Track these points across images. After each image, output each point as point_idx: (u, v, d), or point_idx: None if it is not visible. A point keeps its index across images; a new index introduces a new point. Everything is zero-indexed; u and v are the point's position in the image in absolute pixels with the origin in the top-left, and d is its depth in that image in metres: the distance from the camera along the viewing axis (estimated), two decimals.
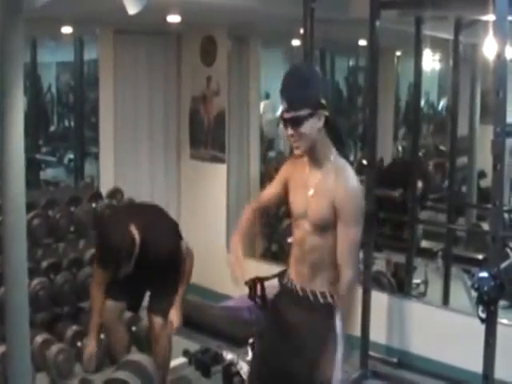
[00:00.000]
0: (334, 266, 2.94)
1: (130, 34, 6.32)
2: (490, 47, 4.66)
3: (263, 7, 5.02)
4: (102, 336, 4.69)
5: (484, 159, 6.35)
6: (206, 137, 6.70)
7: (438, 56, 7.96)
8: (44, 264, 5.19)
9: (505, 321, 4.55)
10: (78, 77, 8.13)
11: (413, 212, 5.95)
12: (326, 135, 2.95)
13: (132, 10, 3.28)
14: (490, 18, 4.30)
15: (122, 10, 3.28)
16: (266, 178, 6.58)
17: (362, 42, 6.87)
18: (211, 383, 4.73)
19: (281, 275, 3.29)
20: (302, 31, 5.18)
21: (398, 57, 8.45)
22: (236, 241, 3.26)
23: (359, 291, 4.95)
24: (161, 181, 6.84)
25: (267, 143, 8.96)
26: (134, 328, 5.18)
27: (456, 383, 4.89)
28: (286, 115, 2.90)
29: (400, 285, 6.04)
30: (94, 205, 5.62)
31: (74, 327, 5.09)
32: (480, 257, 5.54)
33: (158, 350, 4.45)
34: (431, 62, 7.84)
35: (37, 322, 5.03)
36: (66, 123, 9.86)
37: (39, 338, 4.84)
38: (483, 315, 3.97)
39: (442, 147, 7.85)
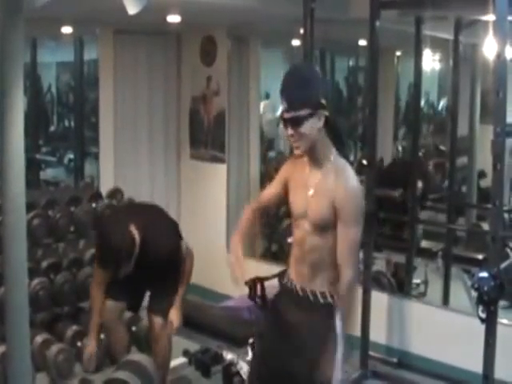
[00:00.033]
0: (334, 266, 2.94)
1: (129, 34, 6.32)
2: (489, 47, 4.66)
3: (263, 7, 5.02)
4: (102, 336, 4.70)
5: (484, 159, 6.35)
6: (206, 137, 6.70)
7: (437, 56, 7.96)
8: (44, 264, 5.19)
9: (505, 321, 4.55)
10: (77, 77, 8.13)
11: (413, 212, 5.95)
12: (326, 135, 2.95)
13: (132, 9, 3.28)
14: (490, 17, 4.30)
15: (121, 10, 3.29)
16: (265, 178, 6.58)
17: (362, 42, 6.87)
18: (211, 383, 4.72)
19: (281, 275, 3.29)
20: (301, 31, 5.18)
21: (398, 57, 8.45)
22: (236, 241, 3.26)
23: (359, 291, 4.96)
24: (161, 181, 6.84)
25: (267, 143, 8.96)
26: (133, 328, 5.18)
27: (456, 383, 4.89)
28: (286, 115, 2.89)
29: (400, 285, 6.04)
30: (93, 205, 5.62)
31: (74, 327, 5.09)
32: (480, 257, 5.53)
33: (158, 350, 4.45)
34: (431, 62, 7.85)
35: (37, 321, 5.03)
36: (66, 123, 9.86)
37: (39, 338, 4.84)
38: (483, 315, 3.97)
39: (441, 147, 7.85)
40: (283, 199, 3.21)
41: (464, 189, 7.35)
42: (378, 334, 5.24)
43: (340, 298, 2.93)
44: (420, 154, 6.86)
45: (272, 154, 9.01)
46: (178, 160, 6.98)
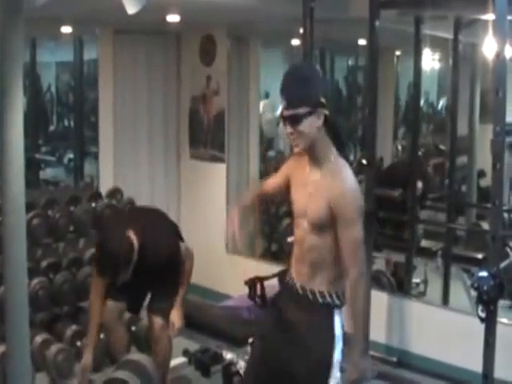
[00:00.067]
0: (335, 266, 2.94)
1: (129, 33, 6.32)
2: (489, 46, 4.66)
3: (262, 6, 5.02)
4: (102, 335, 4.69)
5: (484, 158, 6.35)
6: (206, 136, 6.70)
7: (437, 55, 7.95)
8: (44, 264, 5.19)
9: (505, 320, 4.54)
10: (77, 76, 8.12)
11: (412, 211, 5.95)
12: (326, 135, 2.95)
13: (131, 9, 3.28)
14: (490, 17, 4.31)
15: (121, 10, 3.29)
16: (265, 178, 6.56)
17: (362, 42, 6.86)
18: (211, 383, 4.73)
19: (280, 275, 3.29)
20: (301, 31, 5.18)
21: (398, 56, 8.43)
22: (235, 211, 3.28)
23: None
24: (160, 181, 6.85)
25: (267, 143, 8.95)
26: (133, 328, 5.18)
27: (456, 383, 4.89)
28: (285, 113, 2.90)
29: (400, 284, 6.03)
30: (93, 204, 5.62)
31: (74, 327, 5.09)
32: (480, 256, 5.53)
33: (159, 350, 4.45)
34: (431, 61, 7.83)
35: (36, 321, 5.03)
36: (66, 123, 9.84)
37: (39, 338, 4.84)
38: (483, 314, 3.98)
39: (441, 146, 7.84)
40: (284, 192, 3.22)
41: (464, 188, 7.34)
42: (378, 333, 5.24)
43: (349, 299, 2.93)
44: (420, 153, 6.85)
45: (271, 153, 9.00)
46: (178, 160, 6.98)
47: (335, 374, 2.95)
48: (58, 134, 9.83)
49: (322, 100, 2.90)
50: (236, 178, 6.73)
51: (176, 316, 4.44)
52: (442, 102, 9.00)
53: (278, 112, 3.50)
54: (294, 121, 2.88)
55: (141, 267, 4.24)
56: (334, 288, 2.96)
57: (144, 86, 6.61)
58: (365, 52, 5.89)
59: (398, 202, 6.16)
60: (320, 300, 2.97)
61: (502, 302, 4.29)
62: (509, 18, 4.03)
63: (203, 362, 4.73)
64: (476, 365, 4.19)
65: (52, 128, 9.93)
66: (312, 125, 2.88)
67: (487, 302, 3.95)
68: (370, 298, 5.02)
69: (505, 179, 4.67)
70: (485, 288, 3.92)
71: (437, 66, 8.32)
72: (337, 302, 2.97)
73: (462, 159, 7.03)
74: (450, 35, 6.05)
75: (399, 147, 8.50)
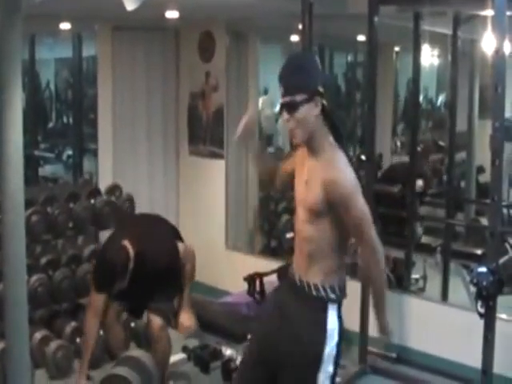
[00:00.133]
0: (332, 257, 2.94)
1: (128, 30, 6.31)
2: (488, 42, 4.66)
3: (261, 2, 5.02)
4: (101, 332, 4.70)
5: (483, 154, 6.35)
6: (205, 133, 6.70)
7: (436, 51, 7.94)
8: (43, 260, 5.20)
9: (504, 316, 4.55)
10: (76, 73, 8.11)
11: (411, 207, 5.95)
12: (323, 125, 2.95)
13: (130, 5, 3.28)
14: (489, 13, 4.31)
15: (120, 6, 3.28)
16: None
17: (361, 38, 6.85)
18: (210, 379, 4.73)
19: (280, 271, 3.29)
20: (300, 27, 5.18)
21: (397, 52, 8.44)
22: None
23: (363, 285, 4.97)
24: (159, 177, 6.84)
25: (266, 139, 8.95)
26: (132, 324, 5.19)
27: (455, 378, 4.89)
28: (283, 100, 2.90)
29: (399, 280, 6.03)
30: (92, 201, 5.63)
31: (73, 323, 5.10)
32: (479, 252, 5.53)
33: (158, 349, 4.46)
34: (430, 57, 7.83)
35: (36, 318, 5.04)
36: (65, 120, 9.83)
37: (38, 335, 4.85)
38: (482, 310, 3.98)
39: (440, 142, 7.84)
40: (287, 177, 3.22)
41: (463, 184, 7.34)
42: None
43: (367, 276, 2.97)
44: (419, 149, 6.85)
45: (271, 149, 8.99)
46: (177, 156, 6.98)
47: (326, 369, 2.93)
48: (57, 130, 9.83)
49: (320, 89, 2.89)
50: (235, 175, 6.72)
51: (186, 317, 4.49)
52: (441, 98, 9.00)
53: (277, 108, 3.50)
54: (291, 108, 2.87)
55: (139, 274, 4.29)
56: (330, 281, 2.94)
57: (143, 83, 6.61)
58: (364, 48, 5.89)
59: (398, 198, 6.16)
60: (314, 293, 2.95)
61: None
62: (508, 13, 4.03)
63: (202, 358, 4.74)
64: (475, 360, 4.19)
65: (51, 125, 9.92)
66: (309, 112, 2.87)
67: (486, 298, 3.96)
68: (368, 293, 5.03)
69: (504, 175, 4.66)
70: (484, 284, 3.93)
71: (436, 61, 8.32)
72: (332, 296, 2.94)
73: (461, 155, 7.04)
74: (449, 31, 6.04)
75: (398, 143, 8.50)
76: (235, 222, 6.74)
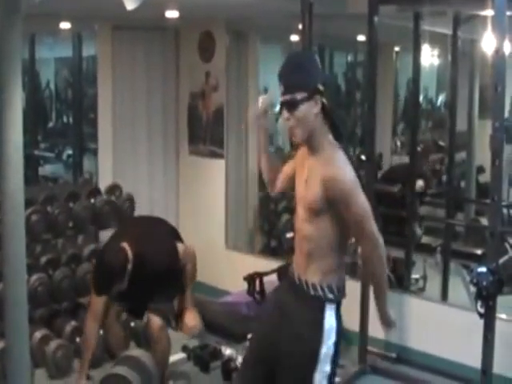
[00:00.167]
0: (331, 256, 2.94)
1: (128, 29, 6.31)
2: (488, 42, 4.66)
3: (261, 2, 5.02)
4: (101, 332, 4.71)
5: (483, 154, 6.35)
6: (205, 132, 6.70)
7: (436, 51, 7.94)
8: (43, 260, 5.20)
9: (504, 316, 4.55)
10: (76, 73, 8.12)
11: (411, 207, 5.95)
12: (323, 124, 2.95)
13: (130, 5, 3.28)
14: (489, 13, 4.30)
15: (120, 6, 3.28)
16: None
17: (361, 38, 6.86)
18: (210, 379, 4.73)
19: (279, 271, 3.29)
20: (300, 26, 5.18)
21: (397, 52, 8.44)
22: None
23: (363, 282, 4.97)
24: (159, 177, 6.84)
25: None
26: (132, 324, 5.19)
27: (455, 378, 4.89)
28: (283, 98, 2.90)
29: (399, 280, 6.03)
30: (92, 201, 5.63)
31: (73, 323, 5.10)
32: (479, 252, 5.54)
33: (157, 349, 4.47)
34: (430, 57, 7.83)
35: (36, 317, 5.04)
36: (65, 119, 9.83)
37: (38, 334, 4.85)
38: (482, 310, 3.98)
39: (440, 142, 7.85)
40: (289, 182, 3.21)
41: (463, 184, 7.34)
42: (377, 329, 5.21)
43: (368, 271, 2.99)
44: (419, 149, 6.85)
45: (271, 149, 8.97)
46: (177, 156, 6.98)
47: (322, 369, 2.92)
48: (57, 130, 9.82)
49: (320, 87, 2.89)
50: (235, 174, 6.72)
51: (191, 317, 4.50)
52: (441, 98, 9.00)
53: (277, 109, 3.49)
54: (290, 106, 2.88)
55: (138, 275, 4.30)
56: (329, 280, 2.94)
57: (143, 82, 6.61)
58: (364, 48, 5.89)
59: (398, 198, 6.16)
60: (312, 292, 2.95)
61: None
62: (508, 13, 4.03)
63: (202, 357, 4.74)
64: (475, 360, 4.19)
65: (51, 124, 9.92)
66: (309, 111, 2.87)
67: (486, 298, 3.96)
68: (368, 293, 5.04)
69: (504, 175, 4.66)
70: (484, 284, 3.93)
71: (436, 61, 8.31)
72: (329, 295, 2.94)
73: (461, 155, 7.04)
74: (449, 31, 6.04)
75: (398, 143, 8.50)
76: (235, 222, 6.74)
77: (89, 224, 5.57)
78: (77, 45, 7.73)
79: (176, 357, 4.88)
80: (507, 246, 5.92)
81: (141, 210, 5.90)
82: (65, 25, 5.90)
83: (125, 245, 4.31)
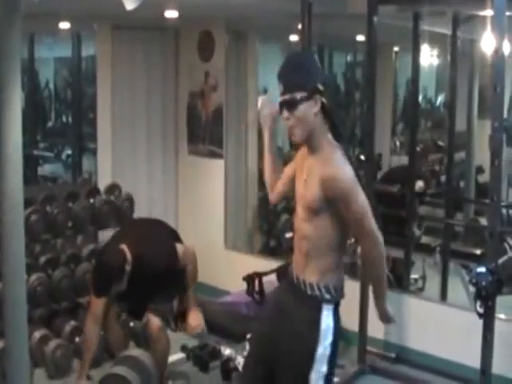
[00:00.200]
0: (329, 255, 2.94)
1: (127, 29, 6.31)
2: (487, 42, 4.66)
3: (260, 1, 5.02)
4: (101, 332, 4.71)
5: (482, 154, 6.35)
6: (204, 132, 6.70)
7: (435, 51, 7.94)
8: (42, 259, 5.20)
9: (503, 316, 4.55)
10: (75, 72, 8.11)
11: (411, 207, 5.95)
12: (323, 123, 2.94)
13: (130, 5, 3.27)
14: (488, 13, 4.30)
15: (119, 6, 3.28)
16: (263, 174, 6.56)
17: (360, 38, 6.86)
18: (209, 378, 4.73)
19: (279, 270, 3.29)
20: (299, 26, 5.18)
21: (396, 52, 8.44)
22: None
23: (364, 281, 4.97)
24: (159, 177, 6.84)
25: None
26: (131, 324, 5.18)
27: (454, 378, 4.89)
28: (282, 98, 2.90)
29: (398, 280, 6.03)
30: (91, 200, 5.63)
31: (72, 323, 5.10)
32: (478, 252, 5.54)
33: (157, 349, 4.47)
34: (429, 57, 7.83)
35: (35, 317, 5.04)
36: (64, 119, 9.82)
37: (37, 334, 4.85)
38: (481, 310, 3.98)
39: (440, 142, 7.85)
40: (290, 185, 3.20)
41: (462, 184, 7.34)
42: (376, 329, 5.24)
43: (367, 269, 3.00)
44: (418, 149, 6.85)
45: None
46: (176, 156, 6.98)
47: (319, 369, 2.91)
48: (56, 130, 9.81)
49: (319, 87, 2.89)
50: (234, 174, 6.72)
51: (194, 317, 4.50)
52: (440, 98, 9.00)
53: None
54: (290, 105, 2.88)
55: (137, 276, 4.30)
56: (327, 280, 2.94)
57: (142, 82, 6.61)
58: (363, 48, 5.89)
59: (397, 198, 6.16)
60: (309, 292, 2.95)
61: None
62: (507, 13, 4.03)
63: (201, 357, 4.74)
64: (474, 360, 4.19)
65: (50, 124, 9.91)
66: (309, 110, 2.87)
67: (485, 298, 3.96)
68: (367, 293, 5.04)
69: (503, 175, 4.66)
70: (483, 284, 3.93)
71: (435, 61, 8.31)
72: (326, 296, 2.94)
73: (460, 155, 7.04)
74: (448, 31, 6.04)
75: (397, 143, 8.50)
76: (234, 222, 6.74)
77: (88, 224, 5.57)
78: (76, 44, 7.72)
79: (175, 357, 4.88)
80: (506, 246, 5.93)
81: (140, 209, 5.90)
82: (64, 24, 5.90)
83: (123, 246, 4.31)
